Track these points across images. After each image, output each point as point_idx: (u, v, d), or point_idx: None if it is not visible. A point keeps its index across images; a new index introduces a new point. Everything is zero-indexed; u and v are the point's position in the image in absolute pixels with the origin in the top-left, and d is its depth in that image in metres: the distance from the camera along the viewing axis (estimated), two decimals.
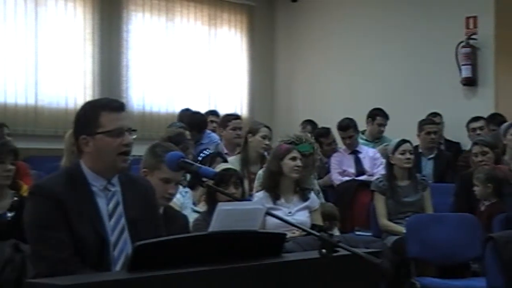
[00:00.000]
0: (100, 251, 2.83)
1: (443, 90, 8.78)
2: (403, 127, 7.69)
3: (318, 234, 2.43)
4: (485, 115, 7.80)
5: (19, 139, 6.99)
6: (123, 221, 2.92)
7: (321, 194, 5.92)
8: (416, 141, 7.29)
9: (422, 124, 7.61)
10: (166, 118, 8.94)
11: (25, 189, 5.11)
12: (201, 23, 9.94)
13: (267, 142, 6.33)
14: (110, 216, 2.91)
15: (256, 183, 5.68)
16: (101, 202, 2.91)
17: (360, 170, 7.25)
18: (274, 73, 10.76)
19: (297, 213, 5.17)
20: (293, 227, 4.27)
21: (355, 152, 7.38)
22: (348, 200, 6.74)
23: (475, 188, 5.72)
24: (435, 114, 8.17)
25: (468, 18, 8.71)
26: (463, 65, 8.62)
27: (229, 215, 2.39)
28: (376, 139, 8.07)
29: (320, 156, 6.18)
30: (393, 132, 7.75)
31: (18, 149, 4.79)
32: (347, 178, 7.14)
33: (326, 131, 7.81)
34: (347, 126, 7.39)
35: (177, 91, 9.54)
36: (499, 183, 5.68)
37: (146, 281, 2.14)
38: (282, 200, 5.21)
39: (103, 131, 2.90)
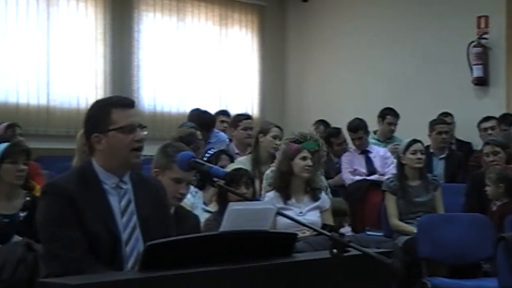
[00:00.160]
0: (112, 249, 2.84)
1: (454, 90, 8.76)
2: (414, 127, 7.67)
3: (329, 234, 2.43)
4: (497, 115, 7.77)
5: (31, 139, 7.03)
6: (135, 218, 2.94)
7: (329, 190, 5.92)
8: (427, 141, 7.27)
9: (433, 124, 7.59)
10: (177, 118, 8.95)
11: (38, 189, 5.13)
12: (212, 23, 9.95)
13: (278, 142, 6.32)
14: (122, 213, 2.92)
15: (264, 183, 5.68)
16: (113, 200, 2.92)
17: (371, 170, 7.24)
18: (285, 73, 10.76)
19: (308, 213, 5.17)
20: (304, 227, 4.28)
21: (365, 152, 7.37)
22: (359, 200, 6.74)
23: (487, 188, 5.70)
24: (446, 114, 8.15)
25: (479, 17, 8.68)
26: (474, 65, 8.59)
27: (240, 215, 2.40)
28: (387, 139, 8.05)
29: (325, 152, 6.17)
30: (404, 132, 7.74)
31: (30, 149, 4.81)
32: (358, 178, 7.13)
33: (337, 131, 7.82)
34: (357, 127, 7.39)
35: (188, 91, 9.55)
36: (511, 183, 5.67)
37: (157, 281, 2.14)
38: (293, 200, 5.21)
39: (115, 128, 2.91)
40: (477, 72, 8.59)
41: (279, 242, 2.56)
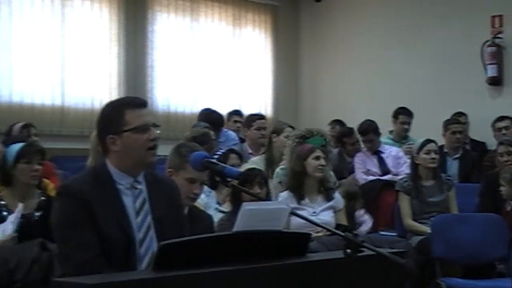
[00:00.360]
0: (126, 249, 2.85)
1: (469, 90, 8.73)
2: (428, 127, 7.66)
3: (342, 234, 2.43)
4: (511, 115, 7.74)
5: (45, 139, 7.06)
6: (149, 219, 2.94)
7: (337, 184, 5.93)
8: (441, 141, 7.25)
9: (447, 123, 7.57)
10: (191, 118, 8.96)
11: (51, 188, 5.16)
12: (226, 23, 9.96)
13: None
14: (137, 213, 2.92)
15: (274, 181, 5.67)
16: (128, 200, 2.93)
17: (384, 170, 7.23)
18: (298, 73, 10.75)
19: (321, 213, 5.17)
20: (318, 227, 4.27)
21: (377, 152, 7.36)
22: (372, 200, 6.73)
23: (501, 188, 5.69)
24: (461, 114, 8.13)
25: (493, 17, 8.64)
26: (488, 64, 8.56)
27: (253, 215, 2.40)
28: (402, 138, 8.03)
29: (332, 146, 6.17)
30: (418, 132, 7.72)
31: (44, 149, 4.83)
32: (371, 178, 7.13)
33: (349, 131, 7.81)
34: (367, 130, 7.38)
35: (202, 91, 9.57)
36: None
37: (170, 281, 2.15)
38: (307, 200, 5.21)
39: (129, 129, 2.91)
40: (491, 71, 8.56)
41: (292, 242, 2.56)
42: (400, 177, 6.51)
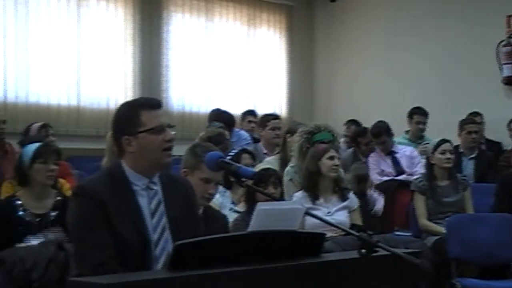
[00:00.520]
0: (142, 250, 2.85)
1: (484, 90, 8.70)
2: (443, 127, 7.64)
3: (357, 234, 2.43)
4: None
5: (61, 139, 7.11)
6: (164, 219, 2.94)
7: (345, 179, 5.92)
8: (456, 141, 7.23)
9: (462, 123, 7.54)
10: (206, 118, 8.95)
11: (66, 187, 5.19)
12: (240, 23, 9.98)
13: None
14: (152, 214, 2.92)
15: (285, 179, 5.66)
16: (143, 201, 2.93)
17: (399, 170, 7.21)
18: (313, 73, 10.75)
19: (336, 213, 5.17)
20: (332, 227, 4.27)
21: (391, 153, 7.35)
22: (387, 200, 6.71)
23: None
24: (476, 114, 8.10)
25: (509, 16, 8.61)
26: (504, 64, 8.53)
27: (268, 215, 2.40)
28: (418, 138, 8.01)
29: (340, 142, 6.16)
30: (433, 132, 7.70)
31: (60, 149, 4.86)
32: (386, 178, 7.11)
33: (363, 131, 7.79)
34: (379, 132, 7.36)
35: (217, 91, 9.59)
36: None
37: (186, 280, 2.15)
38: (321, 200, 5.21)
39: (145, 130, 2.91)
40: (507, 71, 8.54)
41: (307, 242, 2.56)
42: (415, 177, 6.50)
